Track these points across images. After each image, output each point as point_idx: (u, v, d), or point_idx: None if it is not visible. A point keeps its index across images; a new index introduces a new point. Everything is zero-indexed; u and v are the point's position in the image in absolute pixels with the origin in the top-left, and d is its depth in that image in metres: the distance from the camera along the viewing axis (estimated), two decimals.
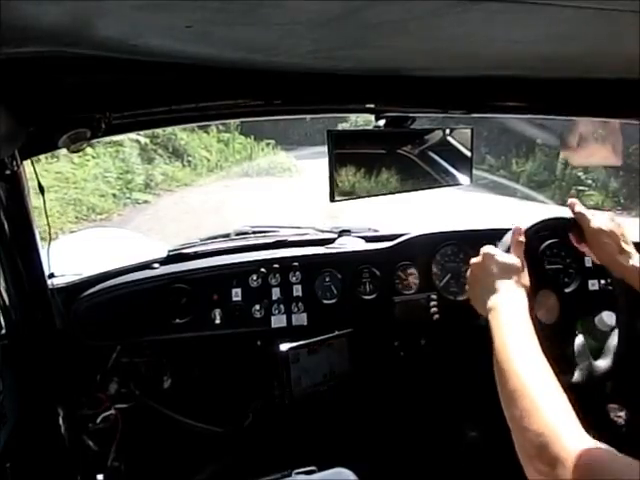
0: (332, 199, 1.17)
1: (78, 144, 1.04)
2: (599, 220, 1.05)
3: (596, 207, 8.15)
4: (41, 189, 1.17)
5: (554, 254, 1.49)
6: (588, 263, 1.50)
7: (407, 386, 1.80)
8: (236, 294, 1.54)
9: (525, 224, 1.12)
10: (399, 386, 1.80)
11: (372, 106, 1.21)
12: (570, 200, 1.11)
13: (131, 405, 1.52)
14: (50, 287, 1.28)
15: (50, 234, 1.23)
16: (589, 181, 8.90)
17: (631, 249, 1.00)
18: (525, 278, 0.96)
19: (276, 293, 1.57)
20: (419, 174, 1.30)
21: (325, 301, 1.61)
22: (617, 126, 1.48)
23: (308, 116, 1.33)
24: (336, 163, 1.15)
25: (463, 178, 1.34)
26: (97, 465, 1.43)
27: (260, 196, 7.61)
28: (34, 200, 1.18)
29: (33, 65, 0.84)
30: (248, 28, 0.71)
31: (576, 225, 1.09)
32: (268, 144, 11.58)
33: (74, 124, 1.02)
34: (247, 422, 1.72)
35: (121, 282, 1.50)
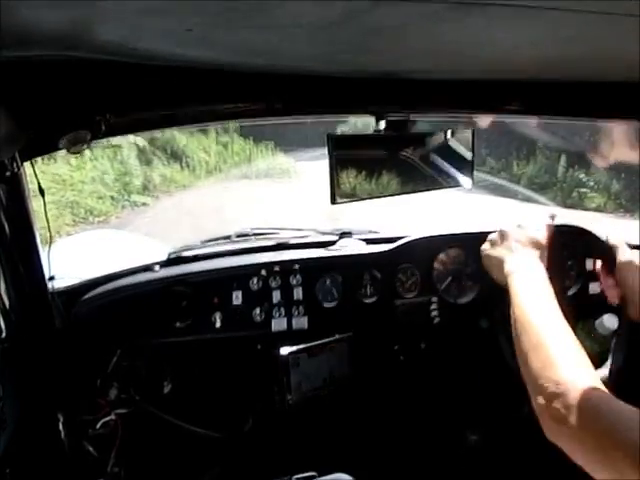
0: (333, 201, 1.18)
1: (78, 146, 1.04)
2: (635, 255, 1.05)
3: (598, 209, 8.20)
4: (41, 191, 1.18)
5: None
6: (589, 266, 1.51)
7: (408, 390, 1.80)
8: (236, 297, 1.54)
9: (559, 220, 1.13)
10: (400, 390, 1.80)
11: (373, 109, 1.21)
12: (607, 234, 1.12)
13: (131, 410, 1.52)
14: (50, 290, 1.28)
15: (50, 236, 1.23)
16: (591, 183, 8.91)
17: None
18: (544, 259, 0.99)
19: (276, 296, 1.57)
20: (420, 176, 1.30)
21: (326, 304, 1.61)
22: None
23: (309, 119, 1.33)
24: (337, 166, 1.15)
25: (464, 180, 1.34)
26: (97, 471, 1.43)
27: (259, 199, 7.61)
28: (33, 202, 1.19)
29: (33, 67, 0.84)
30: (249, 31, 0.72)
31: (610, 253, 1.08)
32: (267, 146, 11.59)
33: (74, 126, 1.03)
34: (247, 427, 1.72)
35: (121, 285, 1.50)
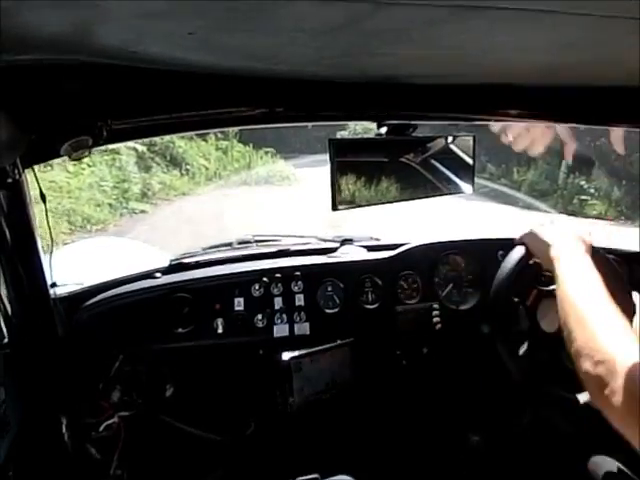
0: (334, 208, 1.18)
1: (80, 152, 1.05)
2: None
3: (599, 216, 8.20)
4: (43, 198, 1.18)
5: None
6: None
7: (409, 394, 1.81)
8: (238, 303, 1.55)
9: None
10: (401, 394, 1.80)
11: (374, 114, 1.22)
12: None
13: (134, 413, 1.52)
14: (52, 296, 1.28)
15: (52, 243, 1.24)
16: (591, 190, 8.92)
17: None
18: (590, 254, 1.04)
19: (278, 302, 1.57)
20: (420, 182, 1.31)
21: (327, 310, 1.62)
22: None
23: (310, 124, 1.34)
24: (338, 172, 1.16)
25: (465, 186, 1.35)
26: (100, 473, 1.43)
27: (259, 205, 7.62)
28: (34, 208, 1.19)
29: (34, 72, 0.85)
30: (250, 36, 0.72)
31: None
32: (267, 152, 11.60)
33: (75, 132, 1.03)
34: (249, 430, 1.73)
35: (123, 291, 1.51)
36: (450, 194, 1.34)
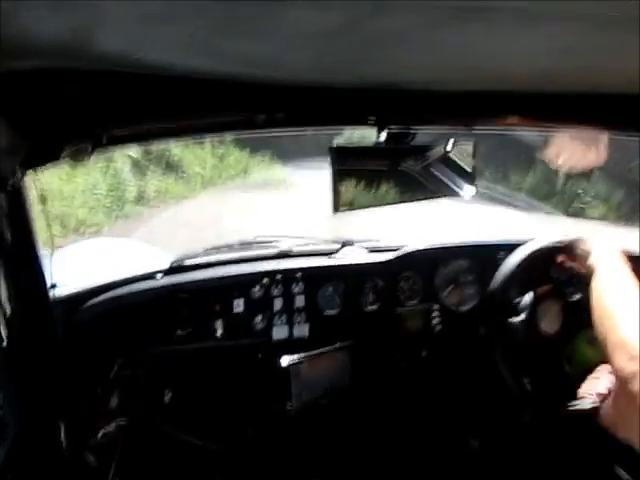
0: (335, 210, 1.20)
1: (80, 157, 1.06)
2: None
3: (599, 220, 8.23)
4: (43, 200, 1.20)
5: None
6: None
7: (409, 397, 1.82)
8: (238, 305, 1.56)
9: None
10: (401, 397, 1.82)
11: (374, 120, 1.23)
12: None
13: (132, 419, 1.53)
14: (52, 298, 1.29)
15: (52, 245, 1.25)
16: (591, 194, 8.95)
17: None
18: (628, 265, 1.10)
19: (278, 304, 1.59)
20: (420, 187, 1.33)
21: (327, 312, 1.63)
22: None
23: (310, 130, 1.35)
24: (338, 177, 1.18)
25: (465, 191, 1.36)
26: None
27: (256, 210, 7.61)
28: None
29: (34, 78, 0.86)
30: (250, 41, 0.73)
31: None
32: (263, 158, 11.62)
33: (75, 137, 1.05)
34: (248, 436, 1.73)
35: (123, 293, 1.52)
36: (450, 196, 1.36)
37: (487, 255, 1.63)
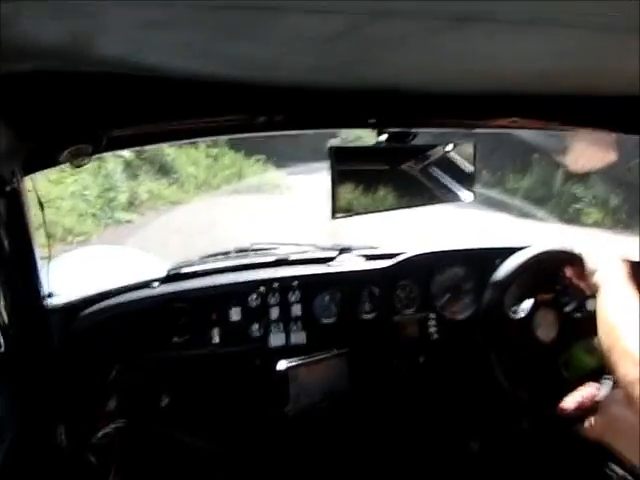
0: (333, 216, 1.21)
1: (79, 159, 1.07)
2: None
3: (596, 225, 8.27)
4: (41, 206, 1.20)
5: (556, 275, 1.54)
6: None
7: (406, 404, 1.83)
8: (235, 313, 1.57)
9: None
10: (398, 404, 1.83)
11: (374, 122, 1.25)
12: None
13: (130, 422, 1.54)
14: (49, 306, 1.29)
15: (50, 252, 1.25)
16: (588, 198, 8.98)
17: None
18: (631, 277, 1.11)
19: (275, 312, 1.60)
20: (420, 191, 1.34)
21: (324, 320, 1.64)
22: None
23: (309, 132, 1.37)
24: (337, 179, 1.19)
25: (465, 195, 1.37)
26: None
27: (251, 214, 7.59)
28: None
29: (33, 81, 0.87)
30: (250, 44, 0.74)
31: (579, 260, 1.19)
32: (258, 160, 11.62)
33: (75, 139, 1.05)
34: (245, 440, 1.74)
35: (120, 301, 1.53)
36: (449, 202, 1.37)
37: (484, 262, 1.64)
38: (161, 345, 1.53)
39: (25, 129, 1.00)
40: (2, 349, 1.09)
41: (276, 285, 1.60)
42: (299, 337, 1.61)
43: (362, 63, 0.89)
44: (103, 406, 1.49)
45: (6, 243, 1.10)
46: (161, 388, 1.62)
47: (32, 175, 1.16)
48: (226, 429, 1.73)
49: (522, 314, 1.51)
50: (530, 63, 0.87)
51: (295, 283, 1.62)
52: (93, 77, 0.90)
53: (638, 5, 0.53)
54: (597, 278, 1.10)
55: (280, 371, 1.54)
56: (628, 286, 1.03)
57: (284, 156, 11.29)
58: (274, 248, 1.82)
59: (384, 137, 1.26)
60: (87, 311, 1.49)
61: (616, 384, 1.11)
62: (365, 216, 1.28)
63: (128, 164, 8.58)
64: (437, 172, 1.33)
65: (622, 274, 1.06)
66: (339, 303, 1.65)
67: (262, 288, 1.59)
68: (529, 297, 1.52)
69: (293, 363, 1.55)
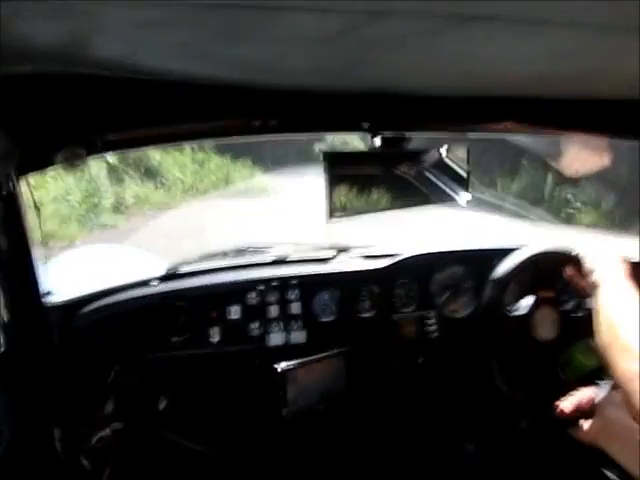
0: (329, 218, 1.23)
1: (74, 162, 1.09)
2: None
3: (589, 226, 8.33)
4: (36, 207, 1.21)
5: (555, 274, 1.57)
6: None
7: (404, 404, 1.86)
8: (234, 312, 1.59)
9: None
10: (396, 404, 1.85)
11: (368, 126, 1.25)
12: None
13: (127, 425, 1.55)
14: (48, 304, 1.31)
15: (48, 252, 1.27)
16: (580, 200, 9.04)
17: None
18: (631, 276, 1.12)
19: (274, 311, 1.62)
20: (414, 193, 1.36)
21: (323, 319, 1.66)
22: None
23: (303, 136, 1.39)
24: (332, 183, 1.21)
25: (460, 197, 1.40)
26: None
27: (239, 219, 7.57)
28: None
29: (29, 83, 0.88)
30: (248, 46, 0.75)
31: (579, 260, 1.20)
32: (245, 164, 11.62)
33: (69, 142, 1.07)
34: (243, 442, 1.76)
35: (119, 299, 1.55)
36: (444, 203, 1.40)
37: (483, 261, 1.67)
38: (160, 344, 1.55)
39: (20, 131, 1.02)
40: (2, 349, 1.10)
41: (275, 284, 1.63)
42: (298, 335, 1.63)
43: (361, 64, 0.90)
44: (101, 409, 1.50)
45: (3, 245, 1.12)
46: (159, 390, 1.64)
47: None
48: (223, 431, 1.75)
49: (521, 312, 1.53)
50: (530, 65, 0.88)
51: (294, 282, 1.65)
52: (89, 79, 0.91)
53: (638, 5, 0.54)
54: (596, 277, 1.12)
55: (278, 373, 1.55)
56: (627, 284, 1.05)
57: (270, 159, 11.30)
58: (272, 248, 1.84)
59: (378, 141, 1.27)
60: (86, 309, 1.51)
61: (613, 387, 1.14)
62: (360, 219, 1.30)
63: (113, 168, 8.52)
64: (432, 175, 1.36)
65: (621, 272, 1.08)
66: (338, 301, 1.68)
67: (261, 286, 1.62)
68: (528, 295, 1.55)
69: (291, 365, 1.57)
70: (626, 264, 1.11)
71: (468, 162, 1.36)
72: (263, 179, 11.07)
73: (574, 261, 1.22)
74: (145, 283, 1.60)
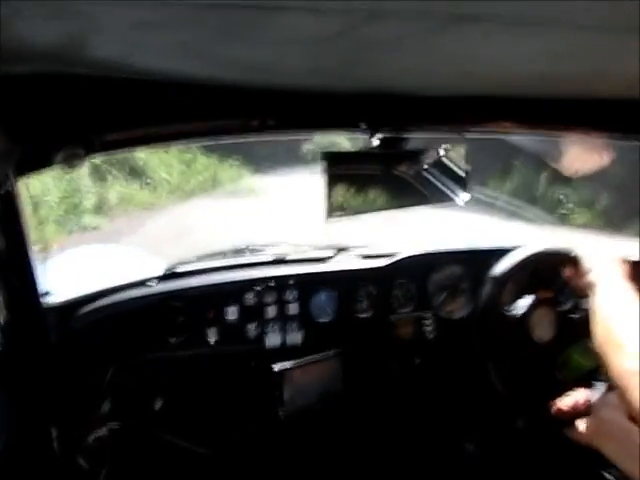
0: (327, 218, 1.26)
1: (73, 162, 1.10)
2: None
3: (584, 227, 8.39)
4: (35, 207, 1.23)
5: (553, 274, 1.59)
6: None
7: (402, 404, 1.89)
8: (231, 312, 1.62)
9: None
10: (394, 404, 1.88)
11: (366, 126, 1.27)
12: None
13: (124, 425, 1.57)
14: (45, 305, 1.32)
15: (46, 252, 1.28)
16: (574, 200, 9.11)
17: None
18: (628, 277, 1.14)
19: (272, 311, 1.65)
20: (413, 193, 1.39)
21: (321, 319, 1.70)
22: None
23: (301, 136, 1.41)
24: (330, 183, 1.23)
25: (458, 197, 1.42)
26: None
27: (227, 219, 7.53)
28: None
29: (27, 83, 0.90)
30: (246, 47, 0.77)
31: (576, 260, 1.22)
32: (232, 164, 11.58)
33: (68, 142, 1.08)
34: (240, 443, 1.78)
35: (117, 300, 1.57)
36: (443, 203, 1.43)
37: (481, 261, 1.70)
38: (158, 345, 1.58)
39: (19, 131, 1.03)
40: (0, 348, 1.12)
41: (273, 284, 1.66)
42: (295, 336, 1.66)
43: (359, 64, 0.92)
44: (98, 408, 1.52)
45: (2, 244, 1.14)
46: (156, 390, 1.66)
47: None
48: (220, 431, 1.78)
49: (519, 312, 1.57)
50: (530, 65, 0.90)
51: (292, 282, 1.67)
52: (88, 79, 0.93)
53: (638, 5, 0.55)
54: (593, 276, 1.14)
55: (275, 373, 1.59)
56: (623, 283, 1.07)
57: (258, 159, 11.26)
58: (270, 248, 1.87)
59: (376, 141, 1.29)
60: (84, 309, 1.53)
61: (609, 388, 1.17)
62: (358, 219, 1.32)
63: (95, 167, 8.41)
64: (430, 175, 1.39)
65: (618, 272, 1.11)
66: (336, 302, 1.71)
67: (259, 287, 1.64)
68: (526, 295, 1.58)
69: (288, 365, 1.60)
70: (624, 264, 1.13)
71: (467, 162, 1.39)
72: (251, 179, 11.02)
73: (573, 261, 1.24)
74: (142, 283, 1.62)
